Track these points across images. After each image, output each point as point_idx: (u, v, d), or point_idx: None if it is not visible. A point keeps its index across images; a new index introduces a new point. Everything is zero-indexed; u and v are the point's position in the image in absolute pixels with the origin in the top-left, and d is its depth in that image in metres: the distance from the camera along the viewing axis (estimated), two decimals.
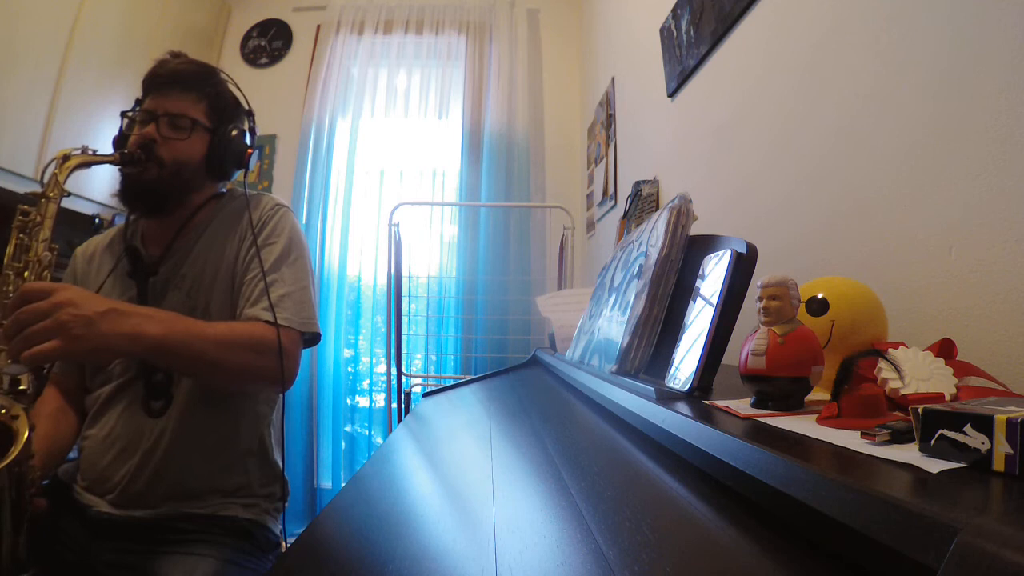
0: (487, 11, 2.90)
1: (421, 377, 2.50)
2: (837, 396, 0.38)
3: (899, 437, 0.31)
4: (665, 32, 1.56)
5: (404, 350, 2.25)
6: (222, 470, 0.92)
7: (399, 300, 2.17)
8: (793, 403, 0.44)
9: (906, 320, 0.67)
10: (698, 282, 0.58)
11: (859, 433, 0.33)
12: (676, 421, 0.44)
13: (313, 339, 0.96)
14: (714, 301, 0.53)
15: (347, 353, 2.72)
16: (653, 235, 0.70)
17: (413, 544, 0.44)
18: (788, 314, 0.45)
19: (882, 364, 0.43)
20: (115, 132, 0.96)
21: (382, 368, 2.59)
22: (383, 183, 2.83)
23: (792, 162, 0.97)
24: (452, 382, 1.56)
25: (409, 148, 2.86)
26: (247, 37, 3.01)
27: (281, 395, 0.94)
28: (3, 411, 0.67)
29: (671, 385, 0.54)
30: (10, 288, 0.74)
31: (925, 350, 0.47)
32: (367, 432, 2.71)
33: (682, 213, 0.66)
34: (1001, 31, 0.57)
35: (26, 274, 0.75)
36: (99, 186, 2.05)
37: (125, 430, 0.89)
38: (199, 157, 0.95)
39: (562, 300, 1.41)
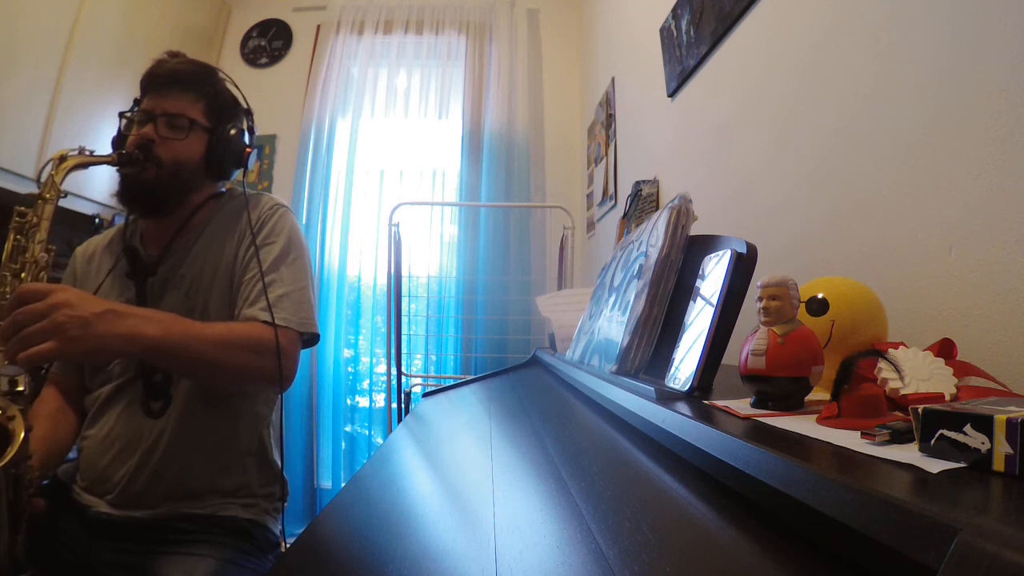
0: (487, 11, 2.90)
1: (421, 377, 2.50)
2: (837, 396, 0.38)
3: (899, 437, 0.31)
4: (665, 32, 1.56)
5: (404, 350, 2.25)
6: (221, 470, 0.92)
7: (399, 300, 2.17)
8: (793, 403, 0.44)
9: (906, 320, 0.67)
10: (698, 282, 0.58)
11: (859, 433, 0.33)
12: (676, 421, 0.44)
13: (312, 339, 0.96)
14: (714, 301, 0.53)
15: (347, 353, 2.72)
16: (653, 235, 0.70)
17: (413, 544, 0.44)
18: (788, 314, 0.45)
19: (882, 364, 0.43)
20: (115, 132, 0.96)
21: (382, 368, 2.59)
22: (383, 183, 2.83)
23: (792, 162, 0.97)
24: (452, 382, 1.56)
25: (409, 148, 2.86)
26: (247, 37, 3.01)
27: (280, 395, 0.94)
28: (0, 412, 0.67)
29: (671, 385, 0.54)
30: (7, 289, 0.74)
31: (925, 350, 0.47)
32: (367, 432, 2.71)
33: (682, 213, 0.66)
34: (1001, 31, 0.57)
35: (23, 275, 0.75)
36: (99, 186, 2.05)
37: (124, 430, 0.89)
38: (198, 157, 0.95)
39: (562, 300, 1.41)
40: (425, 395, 1.39)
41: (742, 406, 0.45)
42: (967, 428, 0.26)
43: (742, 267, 0.53)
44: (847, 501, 0.24)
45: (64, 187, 0.80)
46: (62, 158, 0.80)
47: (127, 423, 0.89)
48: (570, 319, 1.23)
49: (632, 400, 0.56)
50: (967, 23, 0.61)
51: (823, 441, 0.33)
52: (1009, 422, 0.25)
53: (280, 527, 0.96)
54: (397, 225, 2.18)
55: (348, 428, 2.69)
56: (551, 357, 1.19)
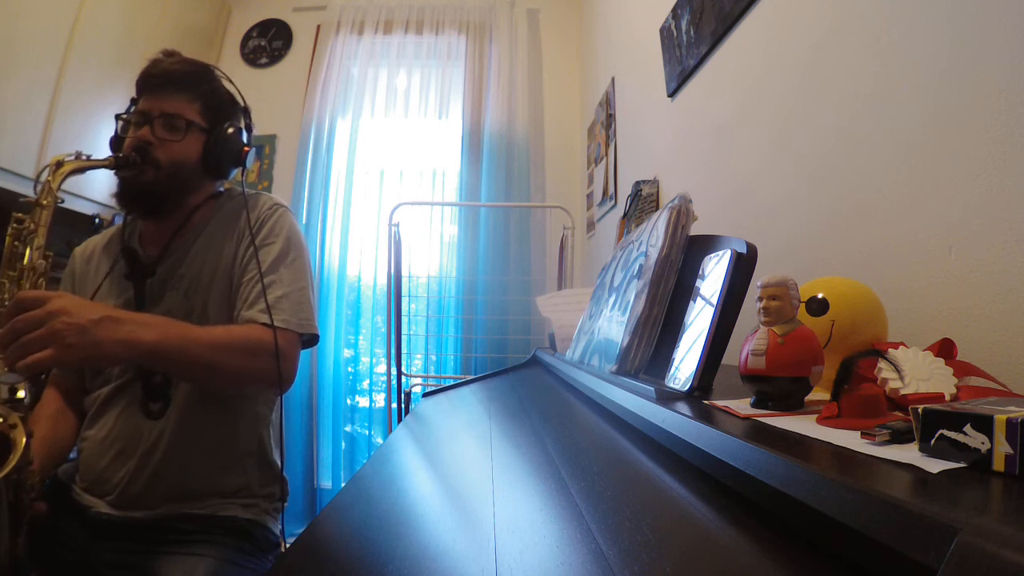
0: (487, 11, 2.90)
1: (421, 377, 2.50)
2: (837, 396, 0.38)
3: (899, 437, 0.31)
4: (665, 32, 1.56)
5: (404, 350, 2.25)
6: (221, 471, 0.92)
7: (399, 300, 2.17)
8: (793, 403, 0.44)
9: (906, 320, 0.67)
10: (698, 282, 0.58)
11: (859, 433, 0.33)
12: (676, 421, 0.44)
13: (312, 340, 0.95)
14: (714, 301, 0.53)
15: (347, 353, 2.72)
16: (653, 235, 0.70)
17: (413, 544, 0.44)
18: (788, 314, 0.45)
19: (882, 364, 0.43)
20: (113, 133, 0.96)
21: (382, 368, 2.59)
22: (383, 183, 2.83)
23: (792, 162, 0.97)
24: (452, 382, 1.56)
25: (409, 148, 2.86)
26: (247, 37, 3.01)
27: (280, 396, 0.94)
28: (1, 420, 0.67)
29: (671, 385, 0.54)
30: (6, 296, 0.74)
31: (925, 350, 0.47)
32: (367, 432, 2.71)
33: (682, 213, 0.66)
34: (1001, 31, 0.57)
35: (22, 282, 0.75)
36: (99, 186, 2.05)
37: (123, 431, 0.89)
38: (195, 157, 0.94)
39: (562, 300, 1.41)
40: (425, 395, 1.39)
41: (742, 406, 0.45)
42: (967, 428, 0.26)
43: (742, 267, 0.53)
44: (847, 501, 0.24)
45: (65, 187, 0.80)
46: (59, 164, 0.79)
47: (126, 424, 0.89)
48: (570, 319, 1.23)
49: (632, 400, 0.56)
50: (967, 23, 0.61)
51: (823, 441, 0.33)
52: (1009, 422, 0.25)
53: (280, 527, 0.96)
54: (397, 225, 2.18)
55: (348, 428, 2.69)
56: (551, 357, 1.19)
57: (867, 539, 0.23)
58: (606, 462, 0.53)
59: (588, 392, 0.77)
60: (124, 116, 0.95)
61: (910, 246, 0.69)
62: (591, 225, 2.58)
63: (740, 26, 1.17)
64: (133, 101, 0.94)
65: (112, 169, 0.86)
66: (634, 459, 0.50)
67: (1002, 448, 0.25)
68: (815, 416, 0.39)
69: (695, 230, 0.67)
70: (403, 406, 2.19)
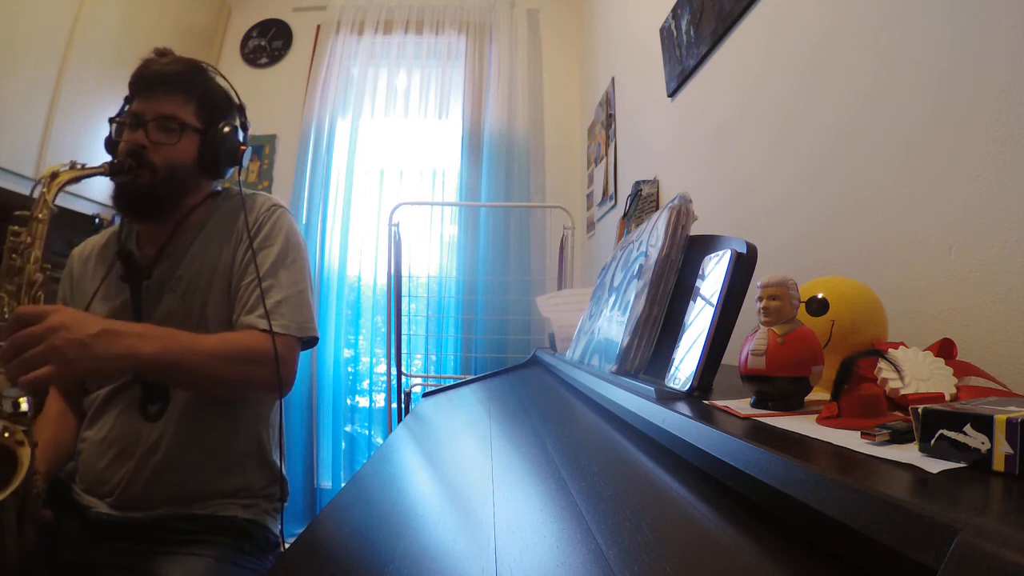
0: (487, 11, 2.90)
1: (421, 377, 2.50)
2: (837, 396, 0.38)
3: (899, 437, 0.31)
4: (665, 32, 1.56)
5: (404, 350, 2.25)
6: (221, 472, 0.91)
7: (399, 300, 2.17)
8: (793, 403, 0.44)
9: (906, 320, 0.67)
10: (698, 282, 0.58)
11: (859, 433, 0.33)
12: (676, 421, 0.44)
13: (311, 341, 0.95)
14: (714, 301, 0.53)
15: (347, 353, 2.72)
16: (653, 235, 0.70)
17: (413, 544, 0.44)
18: (788, 314, 0.45)
19: (882, 364, 0.43)
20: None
21: (382, 368, 2.59)
22: (383, 183, 2.83)
23: (792, 162, 0.97)
24: (452, 382, 1.56)
25: (409, 148, 2.86)
26: (247, 37, 3.01)
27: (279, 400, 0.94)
28: (6, 435, 0.68)
29: (671, 385, 0.54)
30: (5, 309, 0.74)
31: (925, 350, 0.47)
32: (367, 432, 2.71)
33: (682, 213, 0.66)
34: (1001, 31, 0.57)
35: (21, 295, 0.75)
36: (99, 186, 2.04)
37: (122, 433, 0.89)
38: (191, 158, 0.93)
39: (562, 300, 1.41)
40: (425, 395, 1.39)
41: (742, 406, 0.45)
42: (967, 428, 0.26)
43: (742, 267, 0.53)
44: (847, 501, 0.24)
45: (62, 191, 0.79)
46: (53, 175, 0.79)
47: (124, 426, 0.89)
48: (570, 319, 1.23)
49: (632, 400, 0.56)
50: (967, 23, 0.61)
51: (823, 441, 0.33)
52: (1009, 422, 0.25)
53: (280, 527, 0.96)
54: (397, 225, 2.18)
55: (348, 428, 2.69)
56: (551, 357, 1.19)
57: (867, 539, 0.23)
58: (606, 462, 0.53)
59: (588, 392, 0.77)
60: (118, 119, 0.93)
61: (910, 246, 0.69)
62: (591, 225, 2.58)
63: (740, 26, 1.17)
64: (126, 101, 0.93)
65: (107, 176, 0.85)
66: (634, 459, 0.50)
67: (1002, 448, 0.25)
68: (815, 416, 0.39)
69: (695, 230, 0.67)
70: (403, 406, 2.19)
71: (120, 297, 0.93)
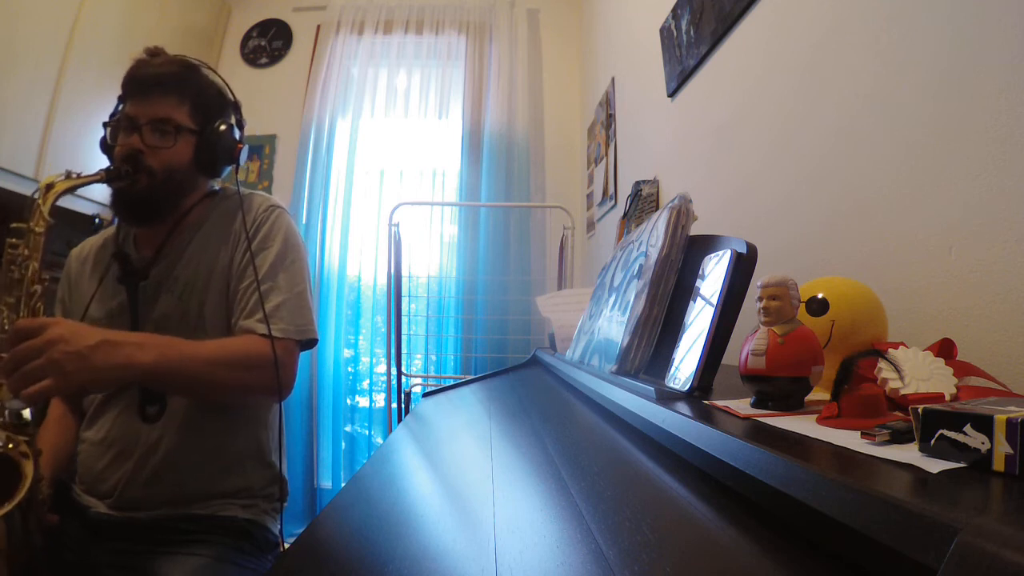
0: (487, 11, 2.90)
1: (421, 377, 2.50)
2: (837, 396, 0.38)
3: (899, 437, 0.31)
4: (665, 32, 1.56)
5: (404, 350, 2.25)
6: (220, 473, 0.91)
7: (399, 300, 2.17)
8: (793, 403, 0.44)
9: (906, 320, 0.67)
10: (698, 282, 0.58)
11: (859, 433, 0.33)
12: (676, 421, 0.44)
13: (311, 342, 0.95)
14: (714, 301, 0.53)
15: (347, 353, 2.72)
16: (653, 235, 0.70)
17: (413, 544, 0.44)
18: (788, 314, 0.45)
19: (882, 364, 0.43)
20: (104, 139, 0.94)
21: (382, 368, 2.59)
22: (383, 183, 2.83)
23: (792, 162, 0.97)
24: (452, 382, 1.57)
25: (409, 148, 2.86)
26: (247, 37, 3.00)
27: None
28: (11, 446, 0.69)
29: (671, 385, 0.54)
30: (4, 321, 0.74)
31: (925, 350, 0.47)
32: (367, 432, 2.71)
33: (682, 213, 0.66)
34: (1001, 31, 0.57)
35: (20, 308, 0.75)
36: (99, 186, 2.05)
37: (120, 434, 0.89)
38: (188, 160, 0.92)
39: (562, 300, 1.41)
40: (425, 395, 1.40)
41: (742, 406, 0.45)
42: (967, 428, 0.26)
43: (742, 267, 0.53)
44: (847, 501, 0.24)
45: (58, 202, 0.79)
46: (49, 186, 0.78)
47: (123, 427, 0.89)
48: (570, 319, 1.23)
49: (632, 400, 0.56)
50: (967, 23, 0.61)
51: (823, 441, 0.33)
52: (1009, 422, 0.25)
53: (280, 527, 0.96)
54: (397, 225, 2.18)
55: (348, 428, 2.69)
56: (551, 357, 1.19)
57: (867, 539, 0.23)
58: (606, 462, 0.53)
59: (588, 392, 0.77)
60: (112, 122, 0.92)
61: (910, 246, 0.69)
62: (591, 225, 2.58)
63: (740, 26, 1.17)
64: (120, 99, 0.92)
65: (104, 183, 0.85)
66: (634, 459, 0.50)
67: (1002, 448, 0.25)
68: (815, 416, 0.39)
69: (695, 230, 0.67)
70: (403, 406, 2.19)
71: (117, 299, 0.92)
